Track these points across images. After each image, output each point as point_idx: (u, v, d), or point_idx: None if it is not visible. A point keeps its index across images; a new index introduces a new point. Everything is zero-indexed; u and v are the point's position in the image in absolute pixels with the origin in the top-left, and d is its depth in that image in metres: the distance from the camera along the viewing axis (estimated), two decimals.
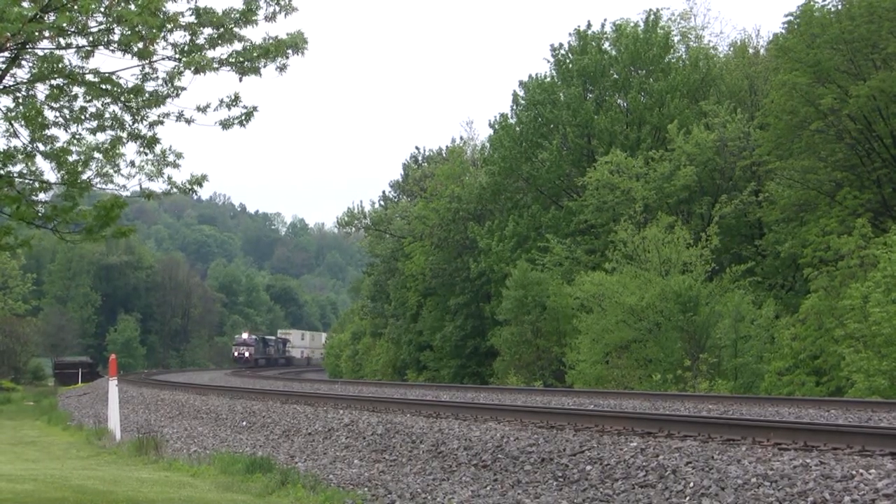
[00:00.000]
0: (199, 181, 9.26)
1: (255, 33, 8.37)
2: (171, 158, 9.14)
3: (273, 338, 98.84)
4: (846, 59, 29.48)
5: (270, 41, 8.32)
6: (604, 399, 21.67)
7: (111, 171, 9.05)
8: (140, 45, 8.01)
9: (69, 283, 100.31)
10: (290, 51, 8.34)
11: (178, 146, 9.20)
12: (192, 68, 8.18)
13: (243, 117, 8.79)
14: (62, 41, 8.21)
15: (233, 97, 8.62)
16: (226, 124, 8.78)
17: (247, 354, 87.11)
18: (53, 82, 8.54)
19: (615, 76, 41.74)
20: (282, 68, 8.49)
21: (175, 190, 9.26)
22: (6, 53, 8.12)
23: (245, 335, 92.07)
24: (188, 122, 8.85)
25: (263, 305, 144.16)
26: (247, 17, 8.24)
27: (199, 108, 8.67)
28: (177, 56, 8.30)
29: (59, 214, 9.01)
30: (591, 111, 40.23)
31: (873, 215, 28.15)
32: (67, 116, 8.84)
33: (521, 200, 44.35)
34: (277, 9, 8.37)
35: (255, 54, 8.32)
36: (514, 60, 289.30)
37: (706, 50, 45.56)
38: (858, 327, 22.81)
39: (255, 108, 8.79)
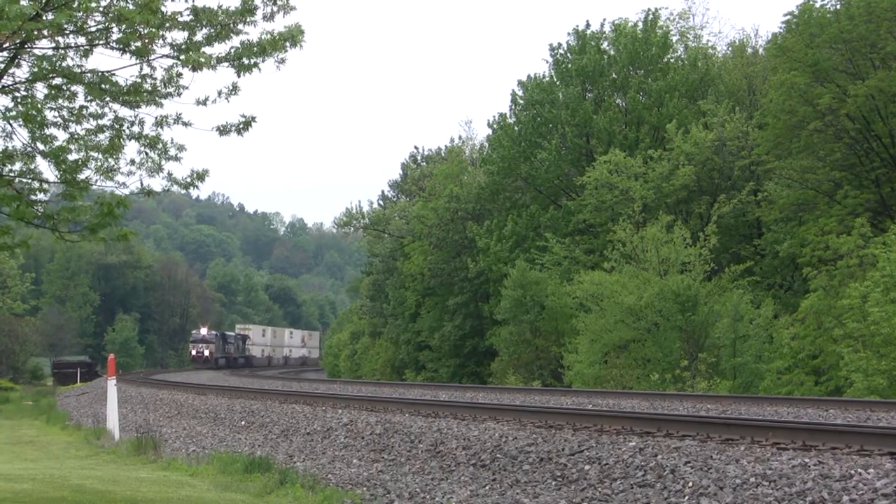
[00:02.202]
0: (200, 176, 9.19)
1: (253, 31, 8.32)
2: (172, 152, 9.10)
3: (232, 334, 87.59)
4: (845, 58, 29.48)
5: (267, 36, 8.30)
6: (602, 399, 21.67)
7: (111, 168, 9.01)
8: (138, 43, 8.00)
9: (68, 283, 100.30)
10: (287, 44, 8.32)
11: (177, 142, 9.16)
12: (190, 66, 8.16)
13: (241, 125, 8.74)
14: (61, 40, 8.20)
15: (231, 87, 8.57)
16: (223, 130, 8.74)
17: (206, 353, 76.11)
18: (52, 82, 8.52)
19: (614, 76, 41.73)
20: (280, 62, 8.47)
21: (176, 186, 9.22)
22: (5, 53, 8.11)
23: (203, 331, 79.45)
24: (186, 125, 8.83)
25: (262, 305, 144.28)
26: (245, 15, 8.22)
27: (198, 102, 8.63)
28: (175, 54, 8.28)
29: (61, 213, 8.99)
30: (590, 111, 40.23)
31: (872, 215, 28.15)
32: (66, 116, 8.83)
33: (520, 200, 44.35)
34: (275, 8, 8.36)
35: (253, 51, 8.30)
36: (512, 60, 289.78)
37: (705, 49, 45.57)
38: (857, 327, 22.82)
39: (253, 118, 8.75)
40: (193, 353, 77.13)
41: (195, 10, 8.15)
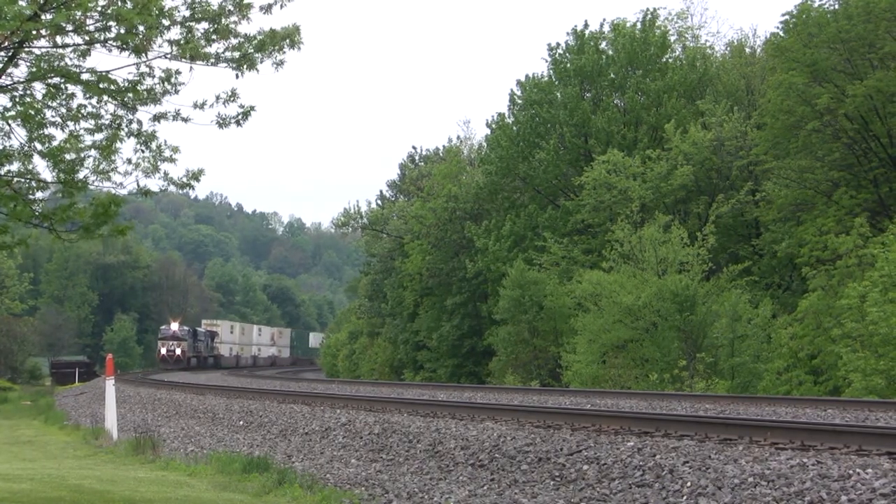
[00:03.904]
0: (196, 176, 9.19)
1: (251, 28, 8.34)
2: (167, 154, 9.10)
3: (202, 330, 77.93)
4: (843, 58, 29.49)
5: (265, 34, 8.30)
6: (601, 399, 21.67)
7: (108, 168, 9.01)
8: (137, 42, 8.00)
9: (66, 283, 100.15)
10: (285, 44, 8.32)
11: (173, 142, 9.15)
12: (188, 55, 8.15)
13: (240, 116, 8.76)
14: (59, 40, 8.19)
15: (230, 93, 8.59)
16: (222, 123, 8.74)
17: (178, 352, 66.80)
18: (51, 81, 8.51)
19: (612, 76, 41.72)
20: (279, 64, 8.47)
21: (172, 186, 9.22)
22: (2, 53, 8.10)
23: (175, 326, 69.26)
24: (185, 120, 8.83)
25: (260, 305, 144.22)
26: (241, 9, 8.21)
27: (196, 105, 8.64)
28: (173, 51, 8.27)
29: (56, 213, 8.98)
30: (588, 111, 40.22)
31: (870, 215, 28.15)
32: (64, 115, 8.82)
33: (518, 200, 44.33)
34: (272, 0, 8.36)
35: (250, 49, 8.30)
36: (511, 60, 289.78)
37: (703, 49, 45.56)
38: (856, 327, 22.82)
39: (252, 108, 8.76)
40: (163, 351, 67.36)
41: (192, 6, 8.14)
